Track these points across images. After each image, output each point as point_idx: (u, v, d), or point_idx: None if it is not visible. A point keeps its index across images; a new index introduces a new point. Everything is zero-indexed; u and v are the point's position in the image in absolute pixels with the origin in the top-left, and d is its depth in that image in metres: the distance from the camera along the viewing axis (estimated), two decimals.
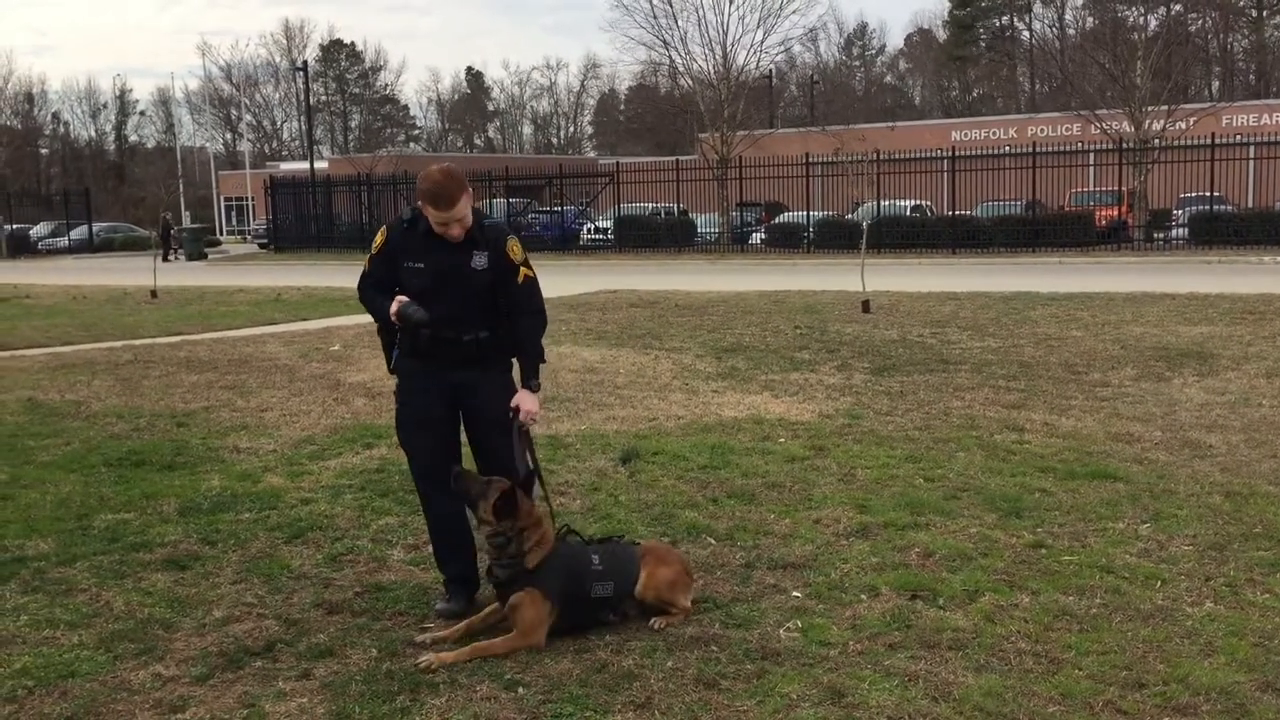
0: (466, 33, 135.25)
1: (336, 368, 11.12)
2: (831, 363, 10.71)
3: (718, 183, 36.78)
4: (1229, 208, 30.94)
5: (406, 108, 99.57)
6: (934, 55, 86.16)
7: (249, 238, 58.17)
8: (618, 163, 42.90)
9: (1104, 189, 33.67)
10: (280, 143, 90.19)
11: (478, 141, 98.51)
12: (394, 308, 4.36)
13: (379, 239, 4.53)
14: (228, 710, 3.71)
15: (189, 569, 5.10)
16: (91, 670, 4.02)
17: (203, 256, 43.12)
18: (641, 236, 36.70)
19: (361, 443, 7.54)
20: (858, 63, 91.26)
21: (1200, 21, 65.33)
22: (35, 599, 4.75)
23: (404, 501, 5.94)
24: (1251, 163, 32.34)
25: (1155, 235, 31.51)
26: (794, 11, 45.91)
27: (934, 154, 34.71)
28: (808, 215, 34.61)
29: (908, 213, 33.86)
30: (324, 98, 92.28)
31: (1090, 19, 64.67)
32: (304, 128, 69.56)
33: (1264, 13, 69.89)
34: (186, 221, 55.37)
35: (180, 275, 29.93)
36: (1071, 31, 69.36)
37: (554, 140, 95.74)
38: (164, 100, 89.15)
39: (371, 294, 4.52)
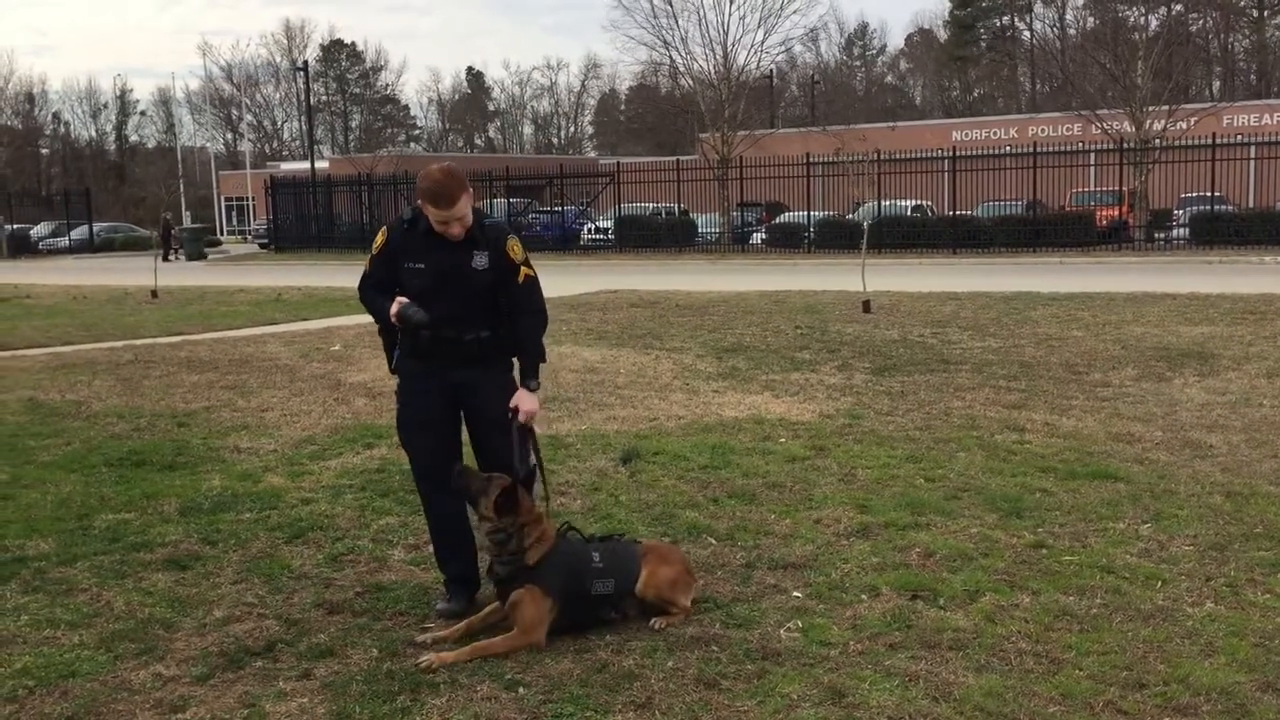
0: (467, 33, 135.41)
1: (337, 368, 11.12)
2: (832, 363, 10.71)
3: (718, 183, 36.77)
4: (1230, 208, 30.93)
5: (407, 108, 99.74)
6: (935, 55, 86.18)
7: (249, 238, 58.19)
8: (618, 163, 42.90)
9: (1105, 189, 33.69)
10: (281, 143, 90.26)
11: (478, 141, 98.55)
12: (394, 309, 4.36)
13: (379, 239, 4.53)
14: (228, 710, 3.71)
15: (190, 569, 5.10)
16: (92, 670, 4.02)
17: (203, 256, 43.13)
18: (642, 236, 36.69)
19: (362, 443, 7.54)
20: (858, 63, 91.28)
21: (1201, 21, 65.37)
22: (36, 599, 4.75)
23: (405, 501, 5.94)
24: (1252, 163, 32.34)
25: (1156, 235, 31.51)
26: (794, 11, 46.01)
27: (935, 154, 34.69)
28: (808, 215, 34.61)
29: (908, 213, 33.86)
30: (324, 98, 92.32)
31: (1091, 19, 64.75)
32: (305, 128, 69.58)
33: (1265, 13, 69.91)
34: (187, 221, 55.36)
35: (181, 275, 29.94)
36: (1072, 31, 69.44)
37: (555, 140, 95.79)
38: (164, 100, 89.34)
39: (372, 295, 4.51)
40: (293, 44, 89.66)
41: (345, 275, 20.15)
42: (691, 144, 47.09)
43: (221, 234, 65.10)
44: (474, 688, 3.81)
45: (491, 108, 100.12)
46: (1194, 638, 4.09)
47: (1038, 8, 79.12)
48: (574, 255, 35.24)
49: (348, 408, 8.93)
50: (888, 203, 33.44)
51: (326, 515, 5.88)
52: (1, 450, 7.59)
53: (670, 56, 41.40)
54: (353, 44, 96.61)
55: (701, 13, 42.56)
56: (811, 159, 34.59)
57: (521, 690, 3.79)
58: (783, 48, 49.73)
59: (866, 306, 15.10)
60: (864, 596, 4.56)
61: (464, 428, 4.63)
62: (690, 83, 41.89)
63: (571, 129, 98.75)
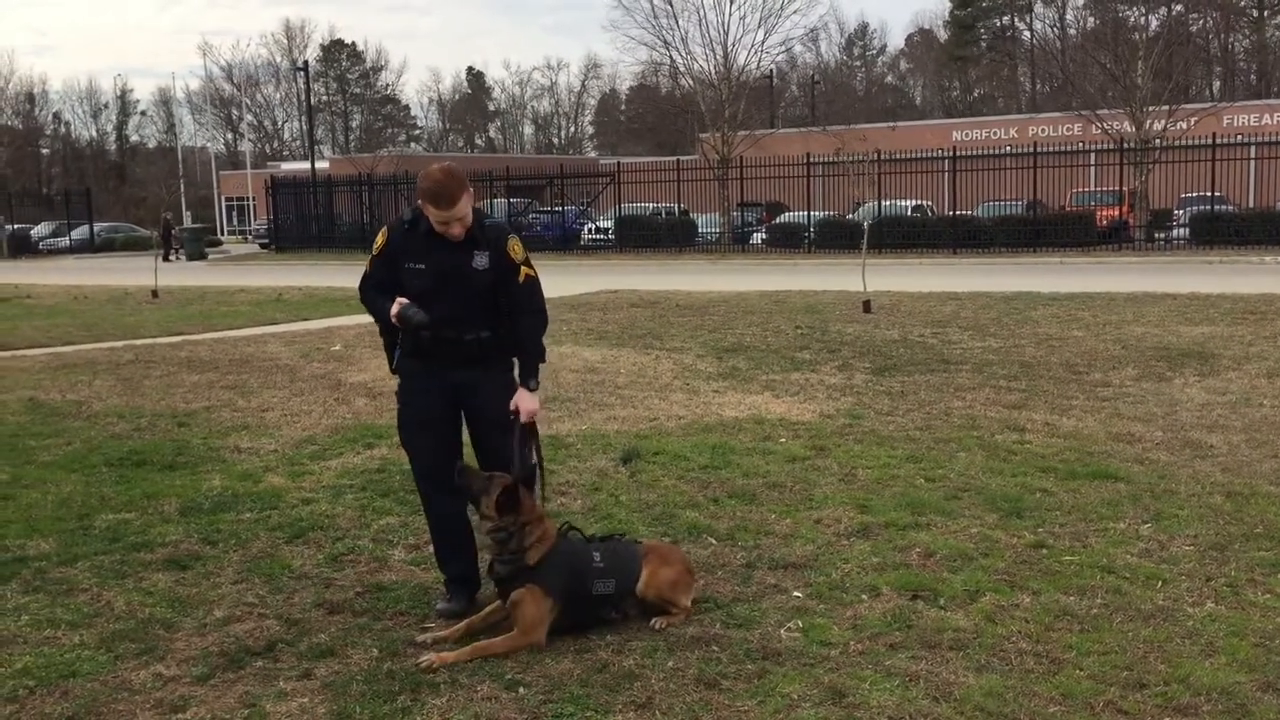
0: (467, 33, 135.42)
1: (338, 368, 11.12)
2: (832, 363, 10.71)
3: (719, 183, 36.76)
4: (1230, 208, 30.93)
5: (407, 108, 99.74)
6: (935, 55, 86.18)
7: (249, 238, 58.21)
8: (619, 163, 42.88)
9: (1105, 189, 33.68)
10: (281, 143, 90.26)
11: (479, 141, 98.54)
12: (394, 309, 4.36)
13: (380, 240, 4.53)
14: (229, 710, 3.71)
15: (190, 569, 5.10)
16: (92, 670, 4.02)
17: (203, 256, 43.13)
18: (642, 236, 36.69)
19: (362, 443, 7.54)
20: (859, 63, 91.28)
21: (1201, 21, 65.34)
22: (36, 599, 4.75)
23: (405, 501, 5.94)
24: (1252, 163, 32.33)
25: (1156, 235, 31.50)
26: (795, 12, 45.95)
27: (935, 154, 34.70)
28: (809, 215, 34.60)
29: (909, 213, 33.86)
30: (325, 98, 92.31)
31: (1091, 19, 64.72)
32: (305, 128, 69.57)
33: (1265, 13, 69.90)
34: (187, 222, 55.38)
35: (181, 275, 29.94)
36: (1072, 31, 69.42)
37: (555, 140, 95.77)
38: (165, 100, 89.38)
39: (373, 295, 4.51)
40: (293, 44, 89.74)
41: (346, 275, 20.14)
42: (692, 144, 47.11)
43: (222, 234, 65.09)
44: (474, 688, 3.81)
45: (492, 108, 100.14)
46: (1194, 638, 4.09)
47: (1038, 8, 79.19)
48: (574, 255, 35.24)
49: (348, 408, 8.93)
50: (888, 203, 33.43)
51: (327, 515, 5.88)
52: (2, 450, 7.59)
53: (670, 56, 41.46)
54: (353, 44, 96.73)
55: (702, 13, 42.55)
56: (812, 159, 34.58)
57: (522, 690, 3.79)
58: (783, 48, 49.76)
59: (867, 306, 15.10)
60: (864, 596, 4.56)
61: (464, 428, 4.63)
62: (690, 83, 41.91)
63: (572, 129, 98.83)
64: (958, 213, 32.81)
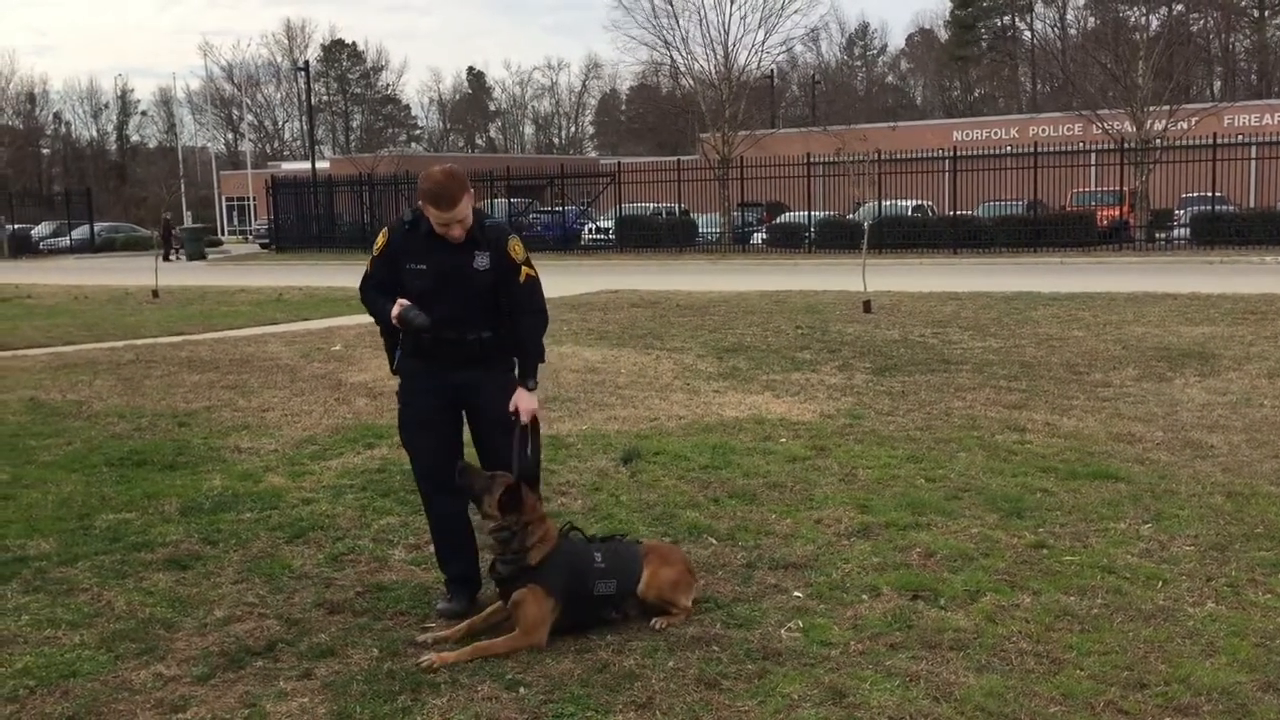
0: (467, 33, 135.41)
1: (338, 368, 11.12)
2: (833, 363, 10.71)
3: (719, 183, 36.76)
4: (1231, 208, 30.92)
5: (408, 108, 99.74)
6: (935, 55, 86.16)
7: (250, 238, 58.23)
8: (619, 163, 42.89)
9: (1105, 189, 33.67)
10: (282, 143, 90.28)
11: (479, 141, 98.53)
12: (395, 311, 4.36)
13: (380, 240, 4.53)
14: (229, 710, 3.71)
15: (190, 569, 5.10)
16: (93, 670, 4.02)
17: (203, 256, 43.13)
18: (643, 236, 36.70)
19: (363, 443, 7.54)
20: (859, 63, 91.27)
21: (1202, 21, 65.33)
22: (37, 599, 4.75)
23: (405, 501, 5.94)
24: (1253, 163, 32.33)
25: (1157, 235, 31.50)
26: (795, 11, 45.87)
27: (935, 154, 34.71)
28: (809, 215, 34.61)
29: (909, 213, 33.87)
30: (325, 98, 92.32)
31: (1092, 19, 64.74)
32: (305, 128, 69.61)
33: (1265, 13, 69.88)
34: (188, 221, 55.35)
35: (181, 275, 29.95)
36: (1073, 31, 69.43)
37: (555, 140, 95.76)
38: (165, 100, 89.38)
39: (373, 295, 4.51)
40: (293, 44, 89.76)
41: (346, 275, 20.12)
42: (692, 144, 47.10)
43: (222, 234, 65.11)
44: (475, 688, 3.81)
45: (492, 108, 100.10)
46: (1195, 638, 4.09)
47: (1038, 8, 79.19)
48: (575, 255, 35.24)
49: (349, 408, 8.93)
50: (888, 203, 33.44)
51: (327, 515, 5.88)
52: (3, 450, 7.59)
53: (671, 56, 41.44)
54: (353, 44, 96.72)
55: (702, 13, 42.51)
56: (812, 159, 34.59)
57: (522, 690, 3.79)
58: (783, 48, 49.72)
59: (867, 306, 15.09)
60: (865, 596, 4.56)
61: (465, 428, 4.63)
62: (691, 83, 41.90)
63: (572, 129, 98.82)
64: (958, 213, 32.81)
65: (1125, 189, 31.88)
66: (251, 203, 67.07)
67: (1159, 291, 16.67)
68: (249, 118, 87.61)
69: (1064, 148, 33.73)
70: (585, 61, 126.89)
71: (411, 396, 4.57)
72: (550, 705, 3.67)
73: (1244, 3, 69.58)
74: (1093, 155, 34.75)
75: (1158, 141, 31.75)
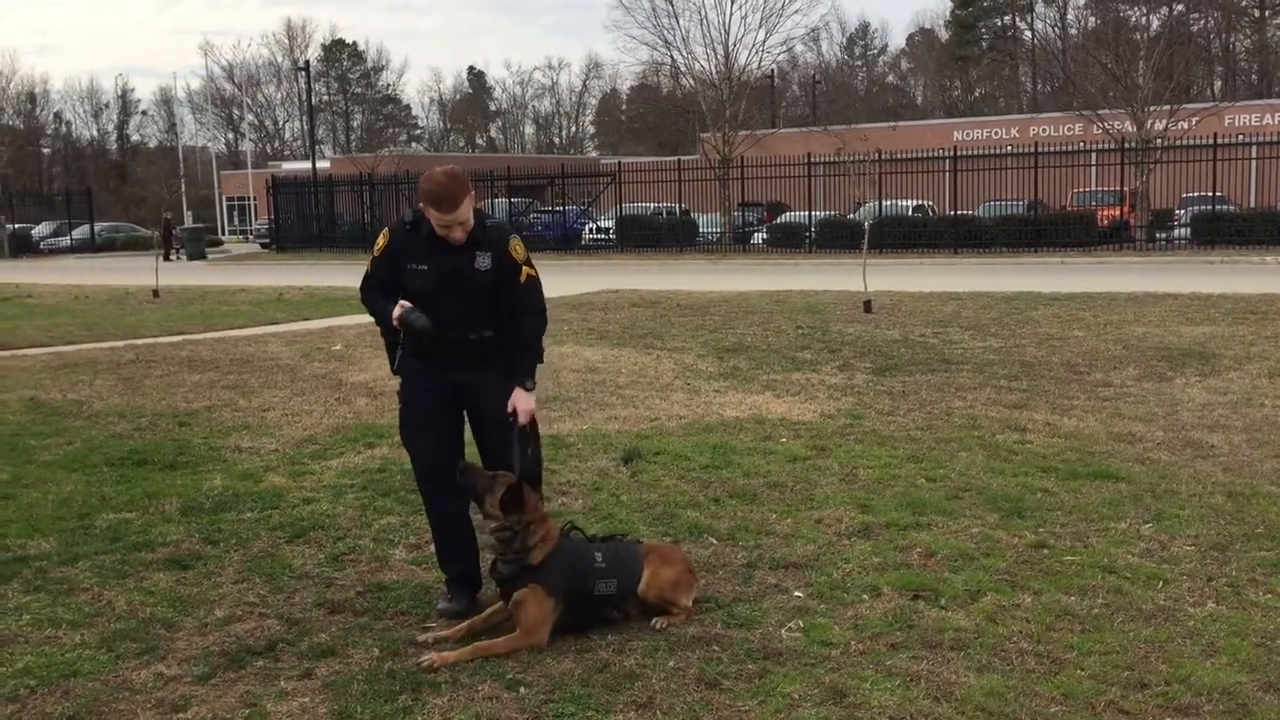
0: (468, 32, 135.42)
1: (338, 367, 11.12)
2: (833, 363, 10.71)
3: (719, 183, 36.77)
4: (1231, 208, 30.93)
5: (408, 107, 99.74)
6: (936, 55, 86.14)
7: (250, 237, 58.24)
8: (620, 162, 42.92)
9: (1106, 189, 33.67)
10: (282, 142, 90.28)
11: (479, 141, 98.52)
12: (396, 313, 4.36)
13: (381, 241, 4.53)
14: (229, 710, 3.71)
15: (191, 568, 5.10)
16: (93, 670, 4.02)
17: (203, 256, 43.14)
18: (643, 236, 36.71)
19: (363, 442, 7.54)
20: (860, 62, 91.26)
21: (1202, 21, 65.27)
22: (37, 598, 4.75)
23: (406, 501, 5.94)
24: (1254, 162, 32.33)
25: (1157, 235, 31.50)
26: (796, 11, 45.83)
27: (936, 154, 34.71)
28: (809, 215, 34.62)
29: (910, 213, 33.87)
30: (326, 97, 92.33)
31: (1092, 19, 64.69)
32: (306, 127, 69.62)
33: (1266, 13, 69.86)
34: (188, 221, 55.38)
35: (182, 275, 29.95)
36: (1073, 31, 69.40)
37: (556, 140, 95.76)
38: (166, 100, 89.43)
39: (374, 295, 4.51)
40: (294, 44, 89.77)
41: (347, 275, 20.13)
42: (693, 144, 47.06)
43: (223, 234, 65.12)
44: (475, 687, 3.81)
45: (493, 107, 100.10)
46: (1196, 638, 4.09)
47: (1039, 7, 79.15)
48: (575, 255, 35.25)
49: (349, 407, 8.93)
50: (889, 203, 33.44)
51: (328, 515, 5.88)
52: (3, 449, 7.59)
53: (671, 56, 41.47)
54: (354, 44, 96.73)
55: (703, 12, 42.57)
56: (813, 159, 34.59)
57: (523, 690, 3.79)
58: (784, 47, 49.75)
59: (868, 306, 15.09)
60: (865, 596, 4.56)
61: (466, 428, 4.63)
62: (691, 82, 41.89)
63: (573, 129, 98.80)
64: (959, 213, 32.83)
65: (1126, 189, 31.89)
66: (252, 202, 67.07)
67: (1159, 291, 16.67)
68: (249, 117, 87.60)
69: (1064, 148, 33.74)
70: (586, 61, 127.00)
71: (412, 396, 4.57)
72: (551, 705, 3.67)
73: (1244, 2, 69.56)
74: (1093, 155, 34.77)
75: (1158, 141, 31.75)
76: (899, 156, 33.49)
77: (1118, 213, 31.00)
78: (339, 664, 4.04)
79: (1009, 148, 36.43)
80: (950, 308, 15.41)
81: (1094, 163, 35.83)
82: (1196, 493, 5.93)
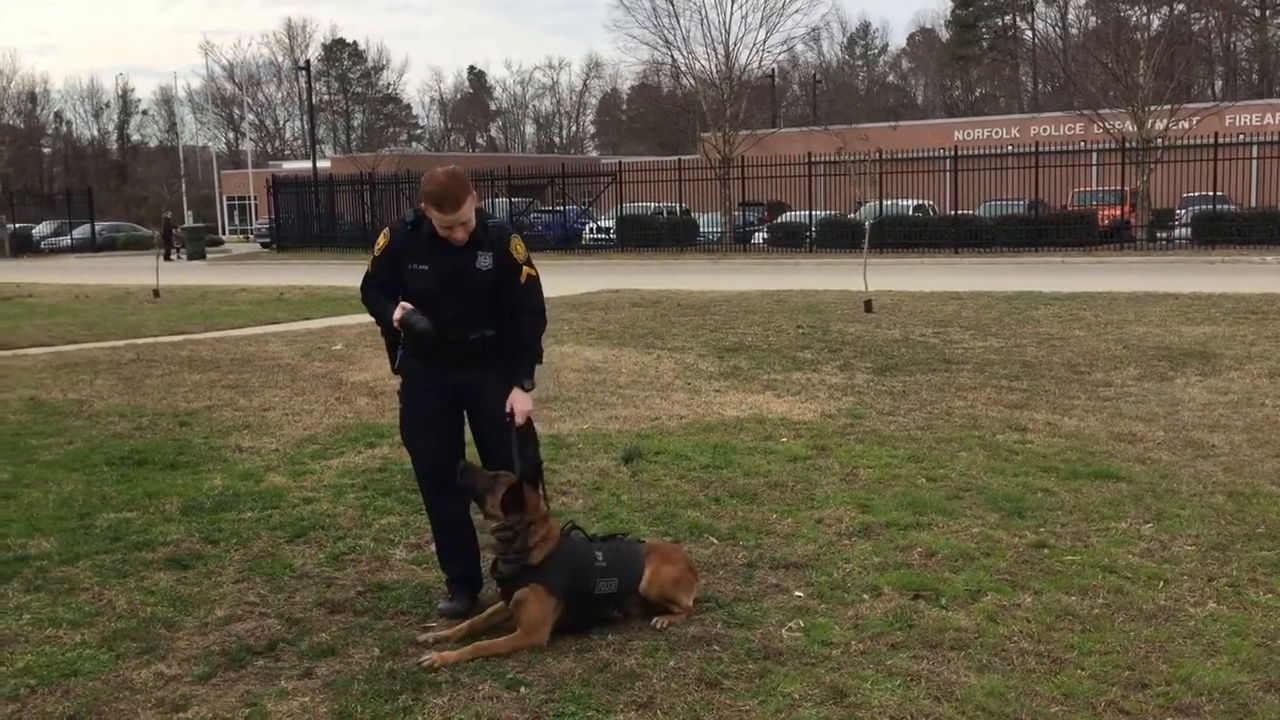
0: (468, 32, 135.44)
1: (339, 367, 11.12)
2: (834, 362, 10.71)
3: (720, 182, 36.77)
4: (1232, 207, 30.92)
5: (409, 107, 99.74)
6: (936, 55, 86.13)
7: (251, 237, 58.25)
8: (620, 162, 42.90)
9: (1107, 189, 33.69)
10: (283, 142, 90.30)
11: (480, 141, 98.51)
12: (397, 314, 4.36)
13: (382, 240, 4.53)
14: (230, 709, 3.71)
15: (191, 568, 5.10)
16: (94, 669, 4.02)
17: (203, 256, 43.13)
18: (644, 236, 36.71)
19: (364, 442, 7.54)
20: (860, 62, 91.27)
21: (1203, 21, 65.33)
22: (38, 598, 4.76)
23: (406, 501, 5.94)
24: (1254, 162, 32.31)
25: (1158, 235, 31.49)
26: (796, 11, 45.92)
27: (936, 154, 34.69)
28: (810, 215, 34.62)
29: (910, 212, 33.86)
30: (326, 97, 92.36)
31: (1093, 18, 64.72)
32: (306, 127, 69.62)
33: (1266, 12, 69.84)
34: (189, 221, 55.40)
35: (182, 274, 29.96)
36: (1074, 31, 69.44)
37: (556, 140, 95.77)
38: (166, 99, 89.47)
39: (375, 295, 4.51)
40: (294, 43, 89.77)
41: (347, 274, 20.13)
42: (693, 143, 47.05)
43: (223, 233, 65.12)
44: (476, 687, 3.81)
45: (493, 107, 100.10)
46: (1196, 638, 4.09)
47: (1040, 7, 79.16)
48: (576, 255, 35.25)
49: (349, 407, 8.93)
50: (889, 202, 33.43)
51: (328, 514, 5.88)
52: (4, 449, 7.59)
53: (672, 56, 41.48)
54: (354, 43, 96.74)
55: (703, 12, 42.62)
56: (813, 158, 34.58)
57: (523, 689, 3.79)
58: (784, 47, 49.68)
59: (868, 306, 15.09)
60: (866, 596, 4.56)
61: (466, 428, 4.63)
62: (692, 82, 41.89)
63: (573, 128, 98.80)
64: (959, 212, 32.83)
65: (1126, 188, 31.88)
66: (252, 202, 67.09)
67: (1160, 291, 16.67)
68: (250, 117, 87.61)
69: (1065, 147, 33.72)
70: (586, 61, 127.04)
71: (413, 396, 4.57)
72: (551, 704, 3.67)
73: (1245, 2, 69.56)
74: (1094, 155, 34.76)
75: (1159, 141, 31.74)
76: (899, 156, 33.49)
77: (1118, 212, 31.01)
78: (339, 663, 4.04)
79: (1010, 147, 36.44)
80: (951, 307, 15.41)
81: (1095, 162, 35.83)
82: (1197, 492, 5.93)
